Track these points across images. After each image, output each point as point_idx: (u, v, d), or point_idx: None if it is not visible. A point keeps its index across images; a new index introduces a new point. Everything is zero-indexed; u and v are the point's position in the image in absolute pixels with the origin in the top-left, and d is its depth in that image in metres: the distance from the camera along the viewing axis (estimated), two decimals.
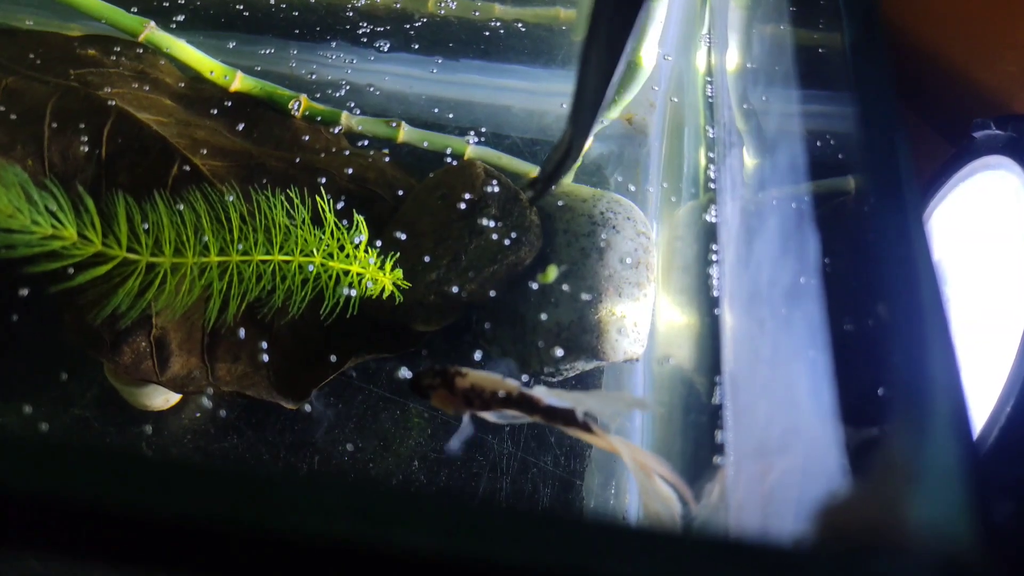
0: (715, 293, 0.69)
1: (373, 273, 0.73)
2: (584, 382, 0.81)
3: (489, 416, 0.63)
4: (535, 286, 0.74)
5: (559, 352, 0.75)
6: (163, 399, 0.79)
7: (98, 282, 0.59)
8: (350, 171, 0.86)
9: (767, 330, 0.57)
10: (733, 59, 0.76)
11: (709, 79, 0.79)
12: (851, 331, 0.43)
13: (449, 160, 0.86)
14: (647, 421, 0.78)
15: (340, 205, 0.83)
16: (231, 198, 0.68)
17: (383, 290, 0.74)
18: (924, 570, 0.32)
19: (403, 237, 0.79)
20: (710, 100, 0.78)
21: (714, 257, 0.70)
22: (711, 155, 0.75)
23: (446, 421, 0.80)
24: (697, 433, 0.68)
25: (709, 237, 0.72)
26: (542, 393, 0.61)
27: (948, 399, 0.36)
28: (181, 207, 0.66)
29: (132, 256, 0.60)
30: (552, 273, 0.74)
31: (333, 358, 0.78)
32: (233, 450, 0.78)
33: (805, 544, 0.37)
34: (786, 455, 0.49)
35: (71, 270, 0.57)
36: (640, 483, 0.60)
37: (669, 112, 0.88)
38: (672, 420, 0.76)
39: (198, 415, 0.80)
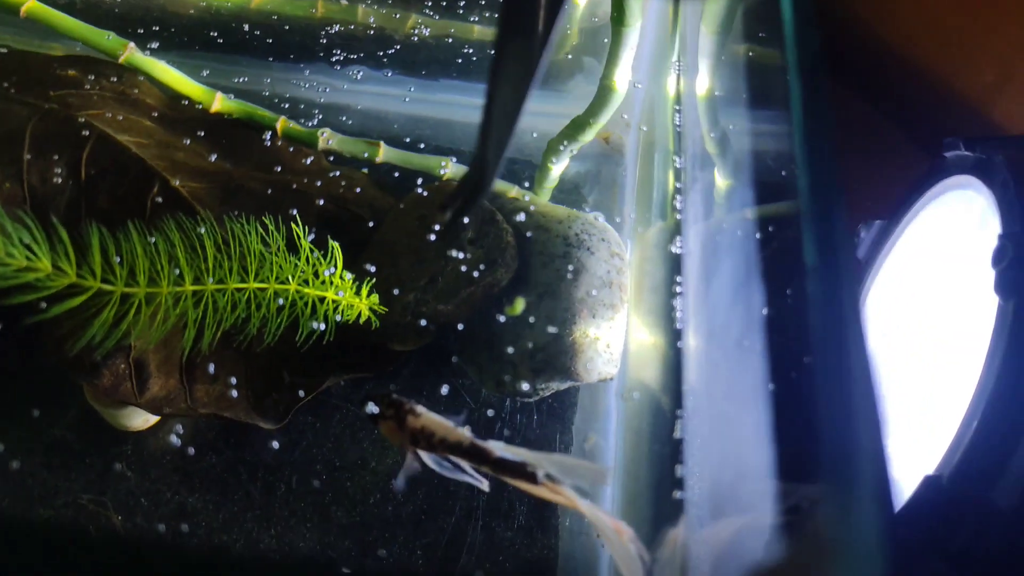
0: (678, 325, 0.70)
1: (349, 299, 0.74)
2: (560, 400, 0.82)
3: (429, 461, 0.63)
4: (502, 319, 0.75)
5: (534, 373, 0.76)
6: (143, 419, 0.79)
7: (74, 313, 0.60)
8: (329, 192, 0.87)
9: (721, 369, 0.59)
10: (703, 84, 0.78)
11: (678, 107, 0.81)
12: (790, 383, 0.44)
13: (420, 187, 0.87)
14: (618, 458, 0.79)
15: (318, 227, 0.84)
16: (203, 230, 0.69)
17: (359, 314, 0.75)
18: None
19: (381, 259, 0.80)
20: (678, 130, 0.79)
21: (678, 288, 0.72)
22: (678, 185, 0.76)
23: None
24: (660, 466, 0.70)
25: (674, 268, 0.73)
26: (496, 447, 0.61)
27: (872, 474, 0.37)
28: (154, 239, 0.67)
29: (106, 287, 0.60)
30: (519, 306, 0.75)
31: (310, 378, 0.79)
32: (212, 470, 0.79)
33: None
34: (738, 512, 0.50)
35: (43, 304, 0.57)
36: (609, 542, 0.61)
37: (642, 136, 0.89)
38: (639, 450, 0.77)
39: (178, 434, 0.81)
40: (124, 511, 0.76)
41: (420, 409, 0.65)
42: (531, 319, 0.76)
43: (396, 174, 0.90)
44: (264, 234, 0.73)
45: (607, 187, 0.90)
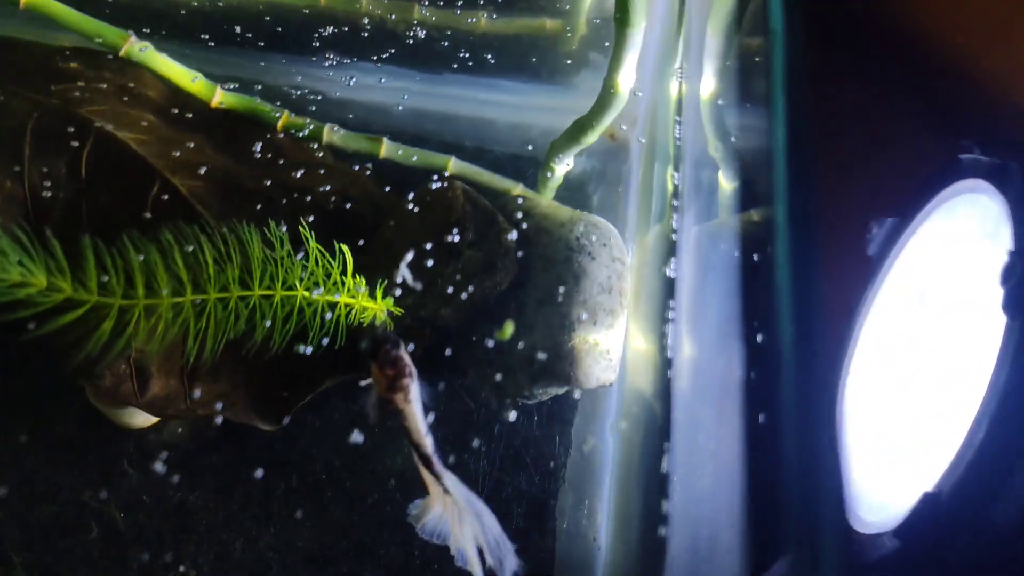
0: (669, 354, 0.69)
1: (363, 303, 0.74)
2: (560, 402, 0.82)
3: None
4: (491, 343, 0.75)
5: (532, 378, 0.75)
6: (144, 417, 0.80)
7: (73, 326, 0.60)
8: (331, 189, 0.86)
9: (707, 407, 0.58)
10: (708, 87, 0.76)
11: (678, 119, 0.79)
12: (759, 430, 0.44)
13: (432, 181, 0.86)
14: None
15: (320, 226, 0.83)
16: (204, 235, 0.68)
17: (358, 315, 0.75)
18: None
19: (380, 260, 0.80)
20: (678, 139, 0.78)
21: (670, 315, 0.71)
22: (675, 203, 0.75)
23: None
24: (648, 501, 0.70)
25: (668, 293, 0.73)
26: (437, 463, 0.65)
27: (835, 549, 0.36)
28: (155, 247, 0.66)
29: (104, 299, 0.60)
30: (508, 330, 0.74)
31: (310, 379, 0.79)
32: (212, 468, 0.80)
33: None
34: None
35: (31, 325, 0.58)
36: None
37: (645, 146, 0.87)
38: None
39: (179, 431, 0.81)
40: (126, 508, 0.77)
41: (413, 394, 0.65)
42: (529, 325, 0.76)
43: (399, 168, 0.89)
44: (270, 237, 0.72)
45: (612, 185, 0.89)
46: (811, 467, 0.37)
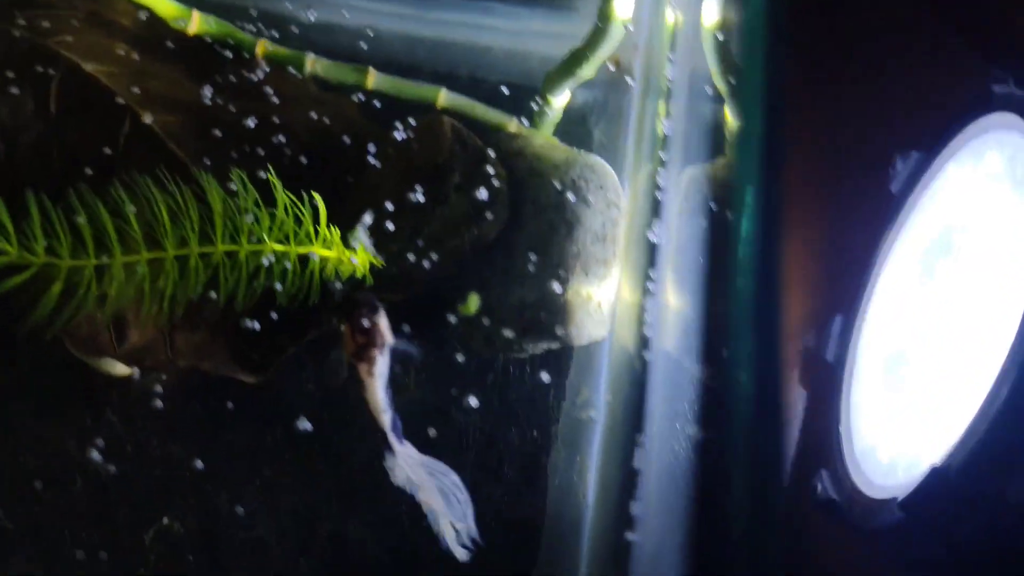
0: (647, 332, 0.64)
1: (339, 255, 0.70)
2: (554, 357, 0.78)
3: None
4: (454, 319, 0.71)
5: (522, 333, 0.72)
6: (126, 367, 0.78)
7: (25, 287, 0.57)
8: (314, 123, 0.81)
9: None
10: (712, 14, 0.68)
11: (671, 54, 0.72)
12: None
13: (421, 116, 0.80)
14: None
15: (303, 163, 0.79)
16: (163, 190, 0.64)
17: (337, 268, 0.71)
18: None
19: (364, 206, 0.75)
20: (669, 76, 0.71)
21: (651, 286, 0.66)
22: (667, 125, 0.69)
23: (411, 400, 0.78)
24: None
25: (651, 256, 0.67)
26: (393, 438, 0.65)
27: None
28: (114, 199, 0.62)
29: (54, 260, 0.57)
30: (473, 304, 0.70)
31: (293, 330, 0.76)
32: (197, 419, 0.78)
33: None
34: None
35: None
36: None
37: (641, 68, 0.80)
38: None
39: (164, 381, 0.79)
40: (110, 459, 0.75)
41: (378, 368, 0.63)
42: (519, 277, 0.71)
43: (387, 100, 0.84)
44: (241, 185, 0.68)
45: (614, 119, 0.83)
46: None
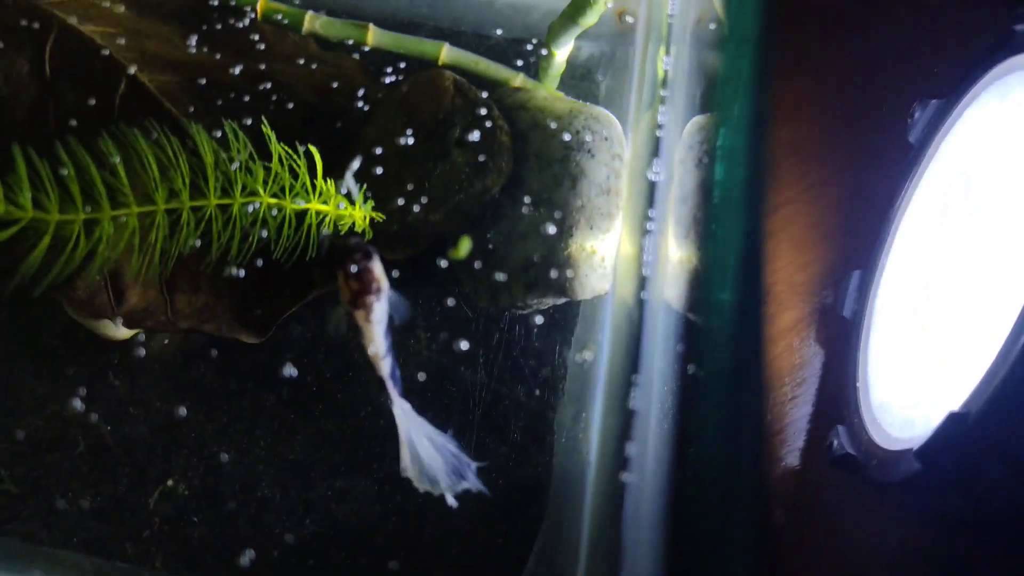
0: (644, 271, 0.62)
1: (336, 210, 0.68)
2: (560, 312, 0.77)
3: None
4: (444, 264, 0.69)
5: (527, 288, 0.70)
6: (126, 329, 0.77)
7: (14, 243, 0.56)
8: (314, 82, 0.80)
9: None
10: None
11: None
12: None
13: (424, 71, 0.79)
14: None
15: (303, 121, 0.77)
16: (159, 136, 0.63)
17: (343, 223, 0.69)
18: None
19: (365, 160, 0.73)
20: (670, 19, 0.69)
21: (649, 226, 0.64)
22: (663, 93, 0.67)
23: (417, 353, 0.77)
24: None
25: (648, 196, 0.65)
26: (391, 388, 0.65)
27: None
28: (111, 147, 0.61)
29: (41, 215, 0.56)
30: (464, 247, 0.68)
31: (295, 289, 0.75)
32: (200, 379, 0.77)
33: None
34: None
35: None
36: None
37: (643, 15, 0.77)
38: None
39: (166, 343, 0.78)
40: (112, 421, 0.75)
41: (376, 314, 0.61)
42: (523, 231, 0.70)
43: (388, 57, 0.82)
44: (234, 138, 0.67)
45: (620, 71, 0.80)
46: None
